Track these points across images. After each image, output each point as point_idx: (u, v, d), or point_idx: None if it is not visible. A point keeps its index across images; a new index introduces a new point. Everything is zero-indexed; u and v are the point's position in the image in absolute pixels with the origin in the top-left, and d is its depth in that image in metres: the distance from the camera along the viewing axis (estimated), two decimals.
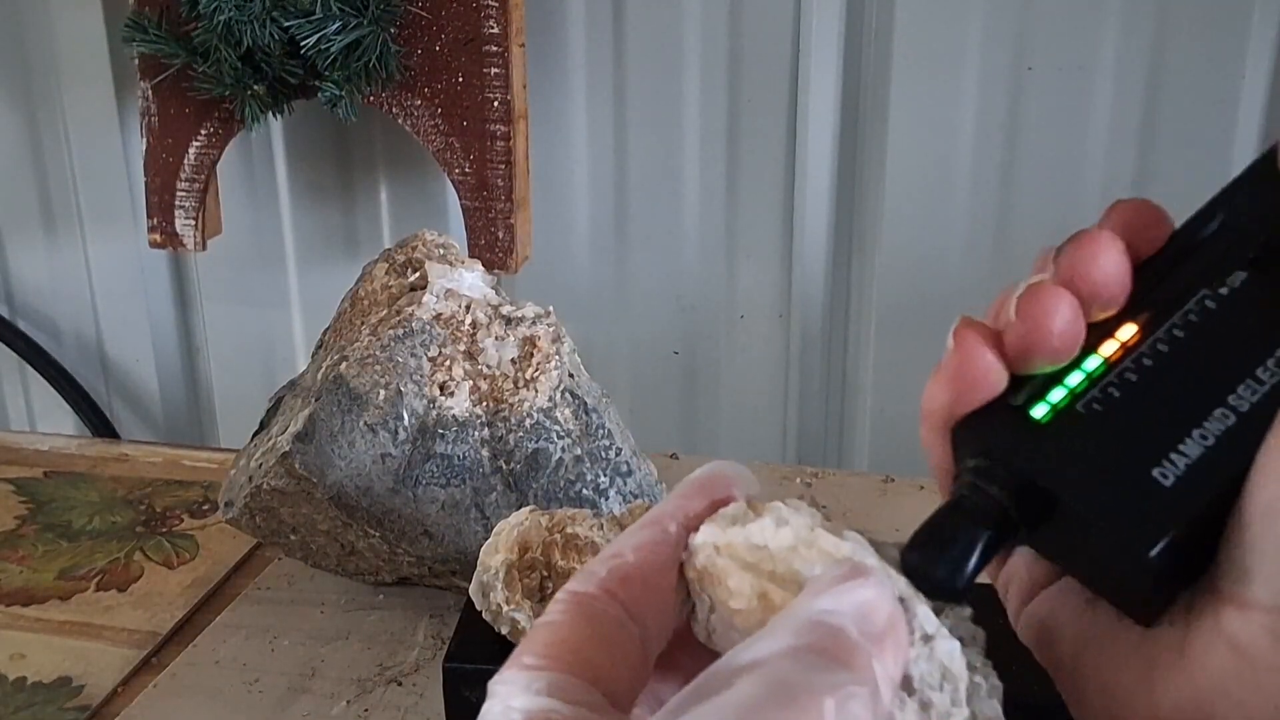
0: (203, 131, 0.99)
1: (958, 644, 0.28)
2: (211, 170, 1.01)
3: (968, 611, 0.31)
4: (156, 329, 1.19)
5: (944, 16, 0.93)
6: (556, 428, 0.69)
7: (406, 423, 0.67)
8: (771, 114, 0.99)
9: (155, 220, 1.02)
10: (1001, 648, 0.62)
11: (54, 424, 1.22)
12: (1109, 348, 0.34)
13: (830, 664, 0.25)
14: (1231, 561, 0.31)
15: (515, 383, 0.69)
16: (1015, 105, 0.93)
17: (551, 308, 0.72)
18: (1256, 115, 0.90)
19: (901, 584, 0.28)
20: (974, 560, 0.31)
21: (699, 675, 0.25)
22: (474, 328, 0.70)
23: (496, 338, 0.70)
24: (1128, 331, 0.34)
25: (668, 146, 1.02)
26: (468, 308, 0.70)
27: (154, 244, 1.03)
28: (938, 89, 0.94)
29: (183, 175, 1.01)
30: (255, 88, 0.93)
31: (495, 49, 0.92)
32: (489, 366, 0.69)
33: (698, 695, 0.25)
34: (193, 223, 1.02)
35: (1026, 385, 0.34)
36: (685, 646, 0.31)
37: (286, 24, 0.89)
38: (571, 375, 0.71)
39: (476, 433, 0.68)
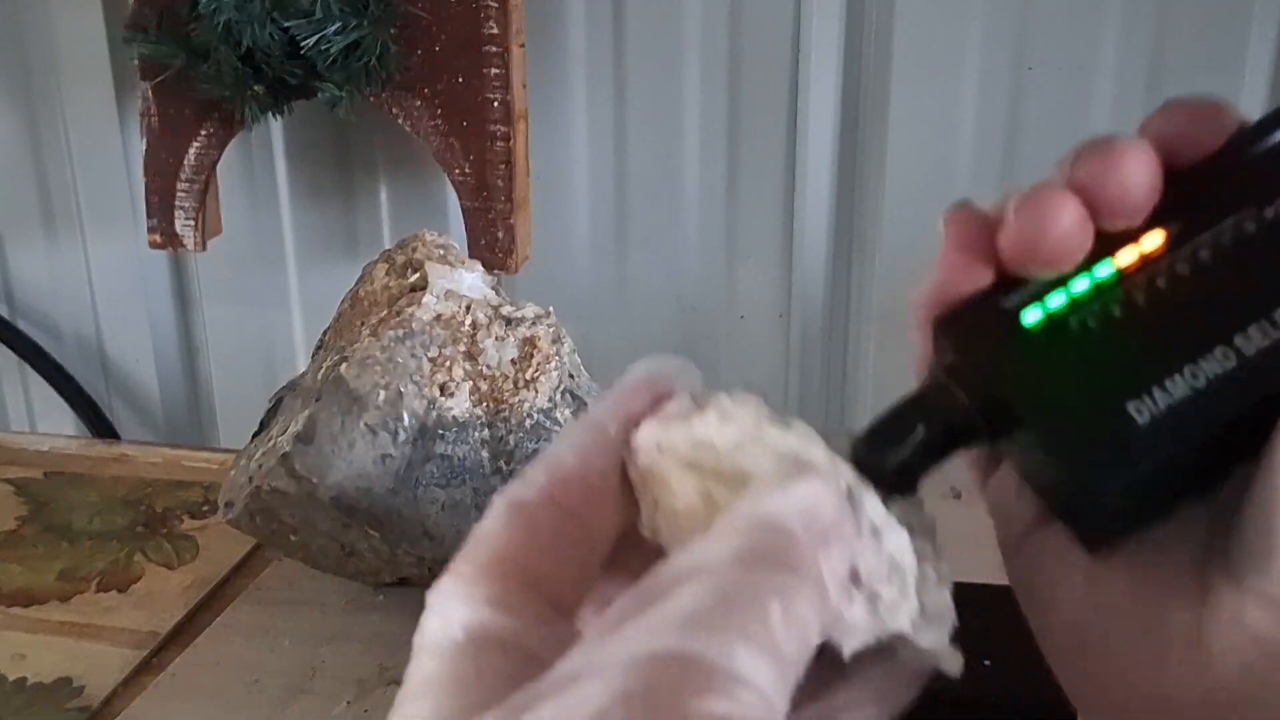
0: (203, 132, 0.99)
1: (906, 535, 0.27)
2: (211, 170, 1.01)
3: (920, 499, 0.30)
4: (157, 329, 1.19)
5: (944, 17, 0.93)
6: (557, 428, 0.69)
7: (407, 424, 0.67)
8: (771, 114, 0.99)
9: (155, 220, 1.02)
10: (1000, 647, 0.62)
11: (54, 424, 1.22)
12: (1127, 256, 0.30)
13: (775, 566, 0.25)
14: (1254, 551, 0.28)
15: (515, 383, 0.69)
16: (1015, 106, 0.93)
17: (551, 308, 0.72)
18: (1256, 116, 0.90)
19: (849, 476, 0.28)
20: (924, 458, 0.30)
21: (641, 581, 0.25)
22: (474, 328, 0.70)
23: (496, 338, 0.70)
24: (1153, 240, 0.30)
25: (668, 146, 1.02)
26: (468, 308, 0.70)
27: (154, 244, 1.03)
28: (938, 89, 0.94)
29: (183, 175, 1.01)
30: (255, 88, 0.93)
31: (495, 49, 0.92)
32: (489, 367, 0.69)
33: (640, 602, 0.24)
34: (193, 223, 1.02)
35: (1025, 287, 0.31)
36: (632, 545, 0.30)
37: (286, 25, 0.89)
38: (572, 376, 0.71)
39: (477, 433, 0.68)
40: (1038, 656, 0.62)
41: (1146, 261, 0.30)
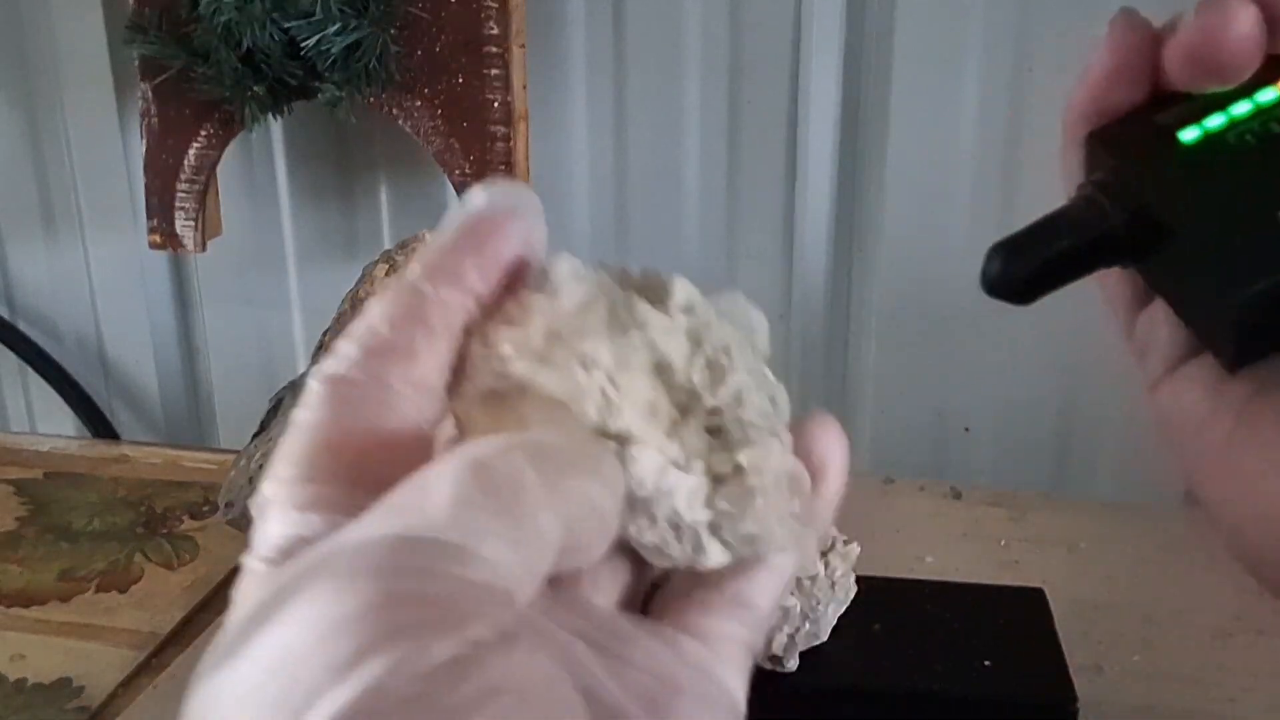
0: (203, 132, 0.99)
1: (685, 485, 0.27)
2: (211, 171, 1.01)
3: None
4: (156, 330, 1.19)
5: (945, 18, 0.93)
6: None
7: None
8: (772, 115, 0.99)
9: (155, 221, 1.02)
10: (1000, 647, 0.62)
11: (54, 425, 1.22)
12: None
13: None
14: None
15: None
16: (1016, 106, 0.93)
17: None
18: None
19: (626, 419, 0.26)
20: (1063, 269, 0.30)
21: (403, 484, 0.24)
22: None
23: None
24: None
25: (668, 147, 1.01)
26: None
27: (154, 245, 1.03)
28: (938, 90, 0.94)
29: (183, 176, 1.01)
30: (255, 89, 0.93)
31: (495, 50, 0.92)
32: None
33: (390, 507, 0.23)
34: (193, 224, 1.02)
35: (1184, 105, 0.31)
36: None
37: (286, 25, 0.89)
38: None
39: None
40: (1038, 656, 0.62)
41: None
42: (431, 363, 0.27)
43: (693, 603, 0.28)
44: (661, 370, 0.28)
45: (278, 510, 0.25)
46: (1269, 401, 0.31)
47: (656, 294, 0.29)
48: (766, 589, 0.28)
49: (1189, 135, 0.30)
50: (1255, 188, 0.29)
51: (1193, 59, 0.30)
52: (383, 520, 0.23)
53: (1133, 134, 0.31)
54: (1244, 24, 0.29)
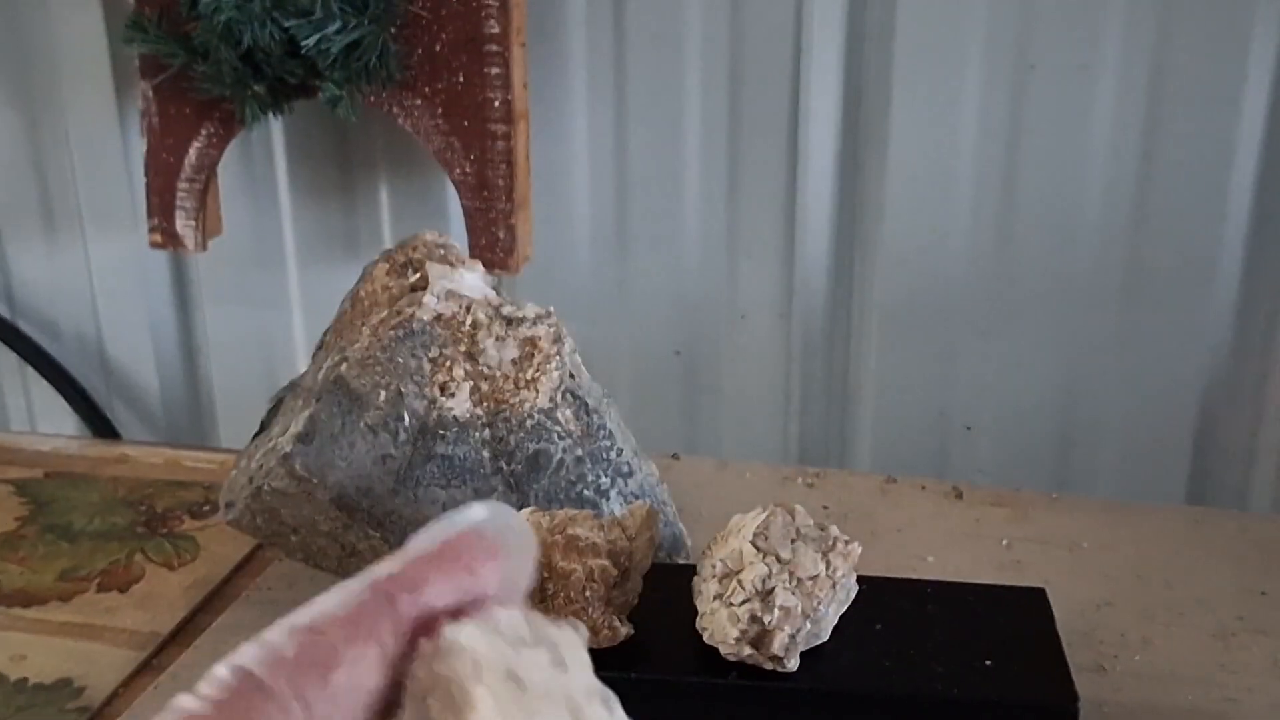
0: (203, 131, 0.99)
1: None
2: (212, 170, 1.01)
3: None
4: (157, 329, 1.19)
5: (946, 15, 0.93)
6: (557, 428, 0.69)
7: (407, 424, 0.67)
8: (773, 113, 0.98)
9: (156, 220, 1.02)
10: (1000, 648, 0.62)
11: (54, 424, 1.22)
12: None
13: None
14: None
15: (516, 383, 0.69)
16: (1017, 105, 0.93)
17: (552, 308, 0.72)
18: (1259, 115, 0.89)
19: None
20: None
21: None
22: (474, 328, 0.70)
23: (497, 338, 0.70)
24: None
25: (669, 145, 1.01)
26: (468, 308, 0.70)
27: (154, 244, 1.03)
28: (939, 88, 0.94)
29: (183, 175, 1.01)
30: (255, 88, 0.93)
31: (496, 48, 0.92)
32: (489, 367, 0.69)
33: None
34: (193, 223, 1.02)
35: None
36: None
37: (286, 24, 0.88)
38: (572, 376, 0.71)
39: (477, 434, 0.68)
40: (1039, 657, 0.62)
41: None
42: (361, 676, 0.24)
43: None
44: None
45: None
46: None
47: None
48: None
49: None
50: None
51: None
52: None
53: None
54: None
